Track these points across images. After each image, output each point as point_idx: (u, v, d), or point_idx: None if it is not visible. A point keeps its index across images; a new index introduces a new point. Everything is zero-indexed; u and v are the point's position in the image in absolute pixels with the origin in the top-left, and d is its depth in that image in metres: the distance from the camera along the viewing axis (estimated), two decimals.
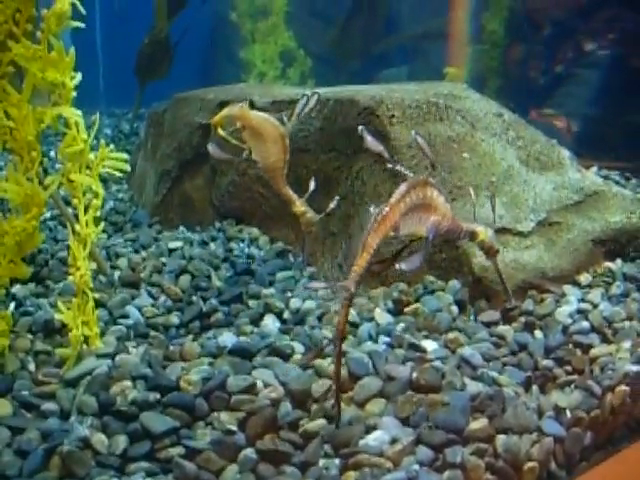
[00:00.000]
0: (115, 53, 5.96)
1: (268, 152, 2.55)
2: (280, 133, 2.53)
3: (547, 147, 3.04)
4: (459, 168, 2.75)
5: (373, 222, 1.88)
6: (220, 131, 2.61)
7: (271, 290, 2.68)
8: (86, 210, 2.22)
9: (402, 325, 2.39)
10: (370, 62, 6.63)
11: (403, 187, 1.92)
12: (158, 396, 1.97)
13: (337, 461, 1.84)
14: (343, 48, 6.78)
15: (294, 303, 2.57)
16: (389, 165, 2.13)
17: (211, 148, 2.62)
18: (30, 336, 2.36)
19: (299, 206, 2.58)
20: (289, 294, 2.66)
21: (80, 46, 2.14)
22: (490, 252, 2.29)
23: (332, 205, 2.52)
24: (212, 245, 3.09)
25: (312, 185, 2.57)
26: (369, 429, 1.90)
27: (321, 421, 1.94)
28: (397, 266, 1.95)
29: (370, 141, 2.08)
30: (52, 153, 4.25)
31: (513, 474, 1.91)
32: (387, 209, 1.89)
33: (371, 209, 1.91)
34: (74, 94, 2.16)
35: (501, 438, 1.93)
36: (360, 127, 2.06)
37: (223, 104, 3.35)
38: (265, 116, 2.58)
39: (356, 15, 6.77)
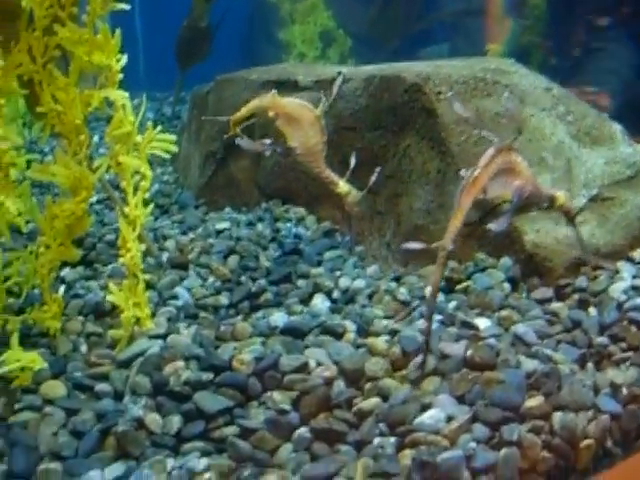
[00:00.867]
0: (155, 36, 5.96)
1: (306, 136, 2.52)
2: (316, 115, 2.51)
3: (598, 121, 2.99)
4: None
5: (465, 184, 2.00)
6: (237, 130, 2.61)
7: (319, 269, 2.68)
8: (135, 192, 2.22)
9: (454, 303, 2.37)
10: (410, 41, 6.55)
11: (490, 151, 2.04)
12: (211, 376, 1.98)
13: (392, 439, 1.84)
14: (382, 27, 6.71)
15: (343, 282, 2.56)
16: (475, 131, 2.25)
17: (243, 142, 2.60)
18: (81, 318, 2.39)
19: (342, 186, 2.56)
20: (338, 273, 2.65)
21: (121, 30, 2.14)
22: (569, 215, 2.39)
23: (373, 178, 2.50)
24: (259, 226, 3.09)
25: (352, 162, 2.55)
26: (424, 407, 1.89)
27: (375, 399, 1.94)
28: (487, 226, 2.08)
29: (458, 107, 2.17)
30: (95, 138, 4.27)
31: (570, 451, 1.90)
32: (477, 172, 2.01)
33: (462, 172, 2.04)
34: (120, 77, 2.17)
35: (557, 415, 1.91)
36: (449, 92, 2.23)
37: (266, 84, 3.36)
38: (297, 100, 2.56)
39: None
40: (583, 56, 5.52)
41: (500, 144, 2.06)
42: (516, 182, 2.12)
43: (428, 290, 1.96)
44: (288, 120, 2.53)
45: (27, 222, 2.31)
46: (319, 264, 2.75)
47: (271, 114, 2.55)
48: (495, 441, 1.83)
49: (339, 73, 2.58)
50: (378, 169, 2.52)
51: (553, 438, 1.88)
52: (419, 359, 2.03)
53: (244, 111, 2.64)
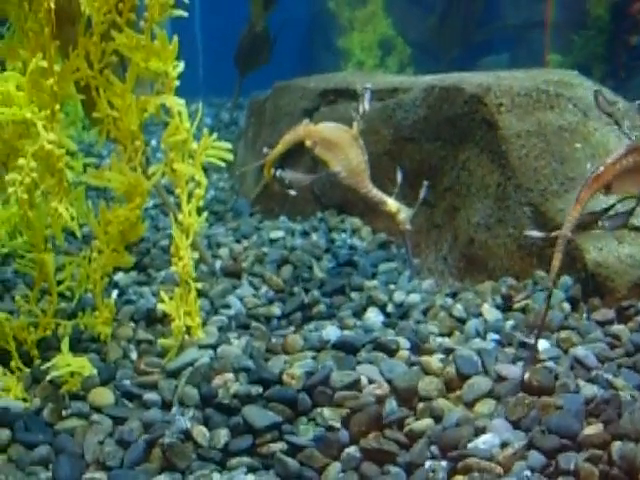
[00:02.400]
0: (214, 42, 5.98)
1: (348, 158, 2.50)
2: (352, 135, 2.48)
3: None
4: (571, 159, 2.63)
5: (587, 178, 2.03)
6: (270, 173, 2.57)
7: (374, 282, 2.63)
8: (189, 200, 2.20)
9: (511, 322, 2.30)
10: (470, 50, 6.48)
11: (621, 150, 2.06)
12: (260, 390, 1.95)
13: (444, 463, 1.77)
14: (442, 36, 6.65)
15: (398, 296, 2.51)
16: (616, 127, 2.24)
17: (286, 174, 2.56)
18: (132, 324, 2.39)
19: (390, 205, 2.53)
20: (392, 287, 2.60)
21: (180, 36, 2.13)
22: None
23: (422, 194, 2.47)
24: (314, 235, 3.07)
25: (399, 178, 2.50)
26: (478, 431, 1.83)
27: (428, 420, 1.89)
28: (600, 222, 2.11)
29: (602, 102, 2.16)
30: (153, 142, 4.28)
31: None
32: (602, 168, 2.04)
33: (588, 165, 2.14)
34: (177, 83, 2.15)
35: (616, 445, 1.81)
36: (595, 89, 2.19)
37: (325, 93, 3.33)
38: (332, 124, 2.54)
39: (456, 2, 6.64)
40: None
41: (633, 144, 2.06)
42: None
43: (551, 275, 2.00)
44: (326, 146, 2.51)
45: (82, 226, 2.29)
46: (373, 276, 2.71)
47: (308, 143, 2.52)
48: (551, 470, 1.75)
49: (365, 88, 2.52)
50: (426, 183, 2.50)
51: (611, 468, 1.78)
52: (474, 380, 1.97)
53: (280, 148, 2.63)
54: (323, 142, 2.50)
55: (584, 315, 2.36)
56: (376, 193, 2.52)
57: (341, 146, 2.49)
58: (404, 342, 2.17)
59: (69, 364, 2.01)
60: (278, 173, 2.56)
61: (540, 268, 2.51)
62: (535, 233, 2.10)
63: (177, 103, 2.14)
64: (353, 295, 2.57)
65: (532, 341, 2.09)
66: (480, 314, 2.36)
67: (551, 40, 5.85)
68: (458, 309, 2.38)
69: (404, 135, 2.97)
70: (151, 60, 2.11)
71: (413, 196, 2.54)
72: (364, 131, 2.53)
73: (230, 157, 2.26)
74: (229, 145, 2.26)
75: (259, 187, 2.76)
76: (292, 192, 2.58)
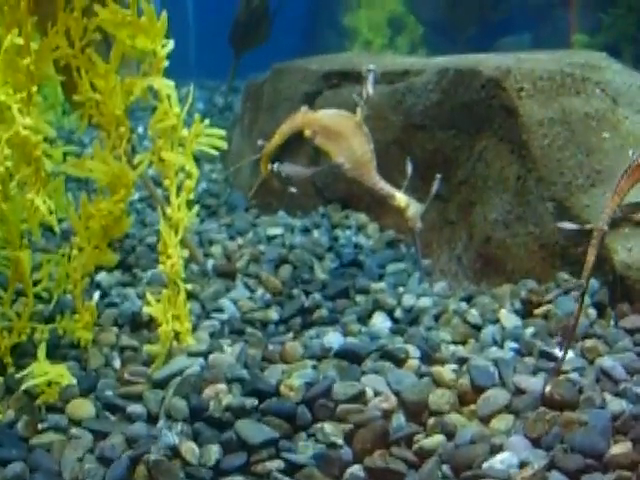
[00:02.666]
0: (207, 18, 5.99)
1: (351, 148, 2.49)
2: (356, 122, 2.47)
3: None
4: (598, 150, 2.63)
5: (628, 168, 2.08)
6: (267, 168, 2.57)
7: (381, 284, 2.63)
8: (178, 192, 2.20)
9: (531, 329, 2.30)
10: (488, 29, 6.47)
11: None
12: (256, 402, 1.95)
13: None
14: (457, 13, 6.65)
15: (407, 300, 2.51)
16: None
17: (285, 168, 2.55)
18: (115, 329, 2.38)
19: (399, 199, 2.51)
20: (401, 289, 2.60)
21: (169, 12, 2.12)
22: None
23: (434, 189, 2.47)
24: (315, 232, 3.07)
25: (409, 169, 2.50)
26: (494, 449, 1.83)
27: (439, 437, 1.88)
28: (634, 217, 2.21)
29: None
30: (140, 129, 4.28)
31: None
32: None
33: (630, 152, 2.14)
34: (165, 64, 2.15)
35: None
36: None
37: (328, 75, 3.32)
38: (332, 111, 2.54)
39: None
40: None
41: None
42: None
43: (584, 273, 2.02)
44: (327, 135, 2.50)
45: (60, 220, 2.29)
46: (380, 278, 2.72)
47: (307, 133, 2.51)
48: None
49: (369, 70, 2.51)
50: (439, 176, 2.49)
51: None
52: (490, 393, 1.96)
53: (277, 139, 2.62)
54: (324, 131, 2.50)
55: (611, 322, 2.35)
56: (383, 186, 2.52)
57: (344, 135, 2.48)
58: (413, 351, 2.17)
59: (46, 372, 2.00)
60: (276, 167, 2.55)
61: (564, 270, 2.51)
62: (568, 225, 2.13)
63: (166, 85, 2.14)
64: (358, 298, 2.57)
65: (555, 350, 2.09)
66: (497, 320, 2.36)
67: (577, 19, 5.84)
68: (473, 315, 2.38)
69: (415, 122, 2.96)
70: (138, 38, 2.10)
71: (424, 190, 2.53)
72: (369, 117, 2.52)
73: (224, 145, 2.26)
74: (223, 132, 2.26)
75: (256, 184, 2.75)
76: (292, 189, 2.58)
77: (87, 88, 2.15)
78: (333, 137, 2.49)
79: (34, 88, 2.06)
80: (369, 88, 2.50)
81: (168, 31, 2.13)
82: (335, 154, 2.50)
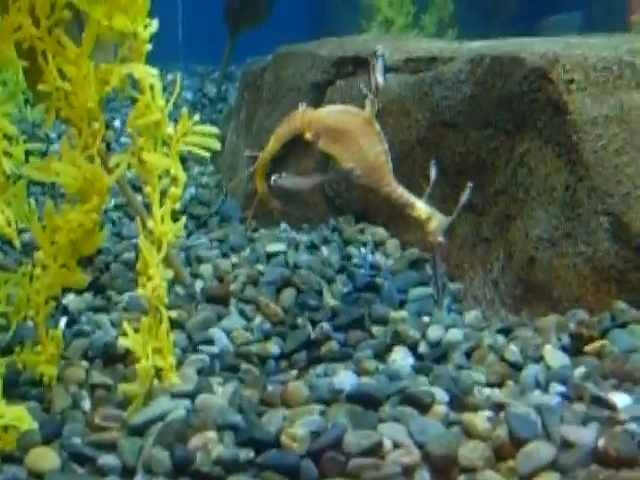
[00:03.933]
0: None
1: (362, 150, 2.49)
2: (365, 119, 2.47)
3: None
4: None
5: None
6: (263, 184, 2.58)
7: (402, 313, 2.64)
8: (162, 200, 2.21)
9: (582, 369, 2.29)
10: (532, 6, 6.49)
11: None
12: (251, 454, 1.94)
13: None
14: None
15: (433, 332, 2.52)
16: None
17: (287, 181, 2.55)
18: (85, 364, 2.40)
19: (420, 209, 2.51)
20: (426, 319, 2.62)
21: None
22: None
23: (464, 198, 2.47)
24: (324, 250, 3.08)
25: (433, 174, 2.50)
26: None
27: None
28: None
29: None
30: (117, 122, 4.30)
31: None
32: None
33: None
34: (148, 47, 2.17)
35: None
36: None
37: (340, 62, 3.33)
38: (337, 107, 2.56)
39: None
40: None
41: None
42: None
43: None
44: (333, 137, 2.51)
45: (21, 232, 2.30)
46: (402, 305, 2.73)
47: (309, 136, 2.50)
48: None
49: (376, 53, 2.50)
50: (470, 184, 2.50)
51: None
52: (531, 447, 1.96)
53: (273, 145, 2.61)
54: (328, 132, 2.50)
55: None
56: (401, 193, 2.51)
57: (352, 135, 2.48)
58: (441, 394, 2.16)
59: (1, 415, 2.01)
60: (274, 180, 2.53)
61: (620, 298, 2.51)
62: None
63: (148, 73, 2.16)
64: (375, 330, 2.58)
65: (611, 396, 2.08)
66: (541, 358, 2.35)
67: None
68: (512, 351, 2.38)
69: (444, 120, 2.98)
70: (115, 17, 2.12)
71: (454, 199, 2.54)
72: (383, 112, 2.52)
73: (216, 145, 2.28)
74: (215, 129, 2.28)
75: (252, 209, 2.75)
76: (278, 205, 2.59)
77: (55, 75, 2.15)
78: (339, 139, 2.50)
79: None
80: (378, 77, 2.50)
81: (151, 9, 2.15)
82: (343, 159, 2.50)
